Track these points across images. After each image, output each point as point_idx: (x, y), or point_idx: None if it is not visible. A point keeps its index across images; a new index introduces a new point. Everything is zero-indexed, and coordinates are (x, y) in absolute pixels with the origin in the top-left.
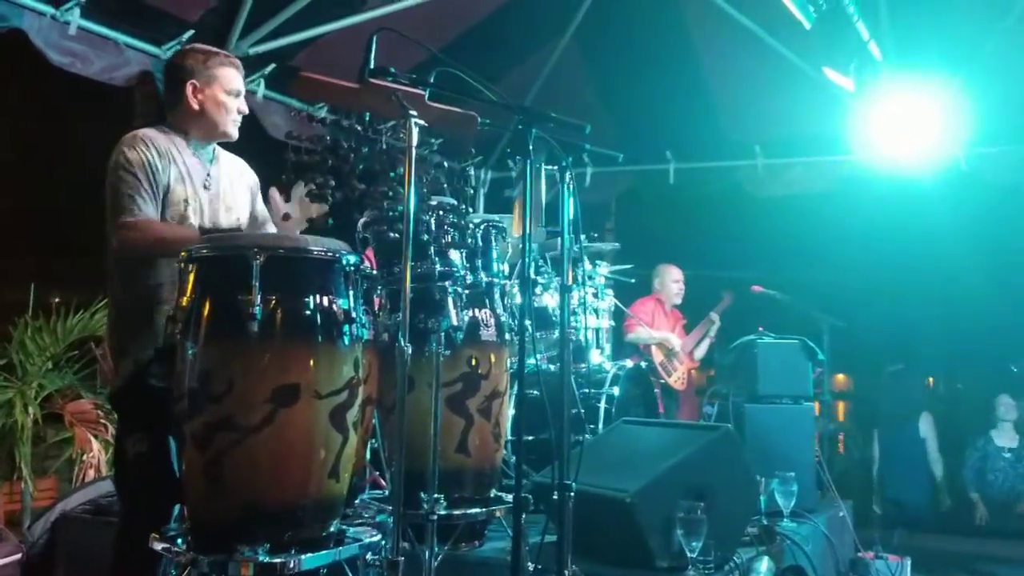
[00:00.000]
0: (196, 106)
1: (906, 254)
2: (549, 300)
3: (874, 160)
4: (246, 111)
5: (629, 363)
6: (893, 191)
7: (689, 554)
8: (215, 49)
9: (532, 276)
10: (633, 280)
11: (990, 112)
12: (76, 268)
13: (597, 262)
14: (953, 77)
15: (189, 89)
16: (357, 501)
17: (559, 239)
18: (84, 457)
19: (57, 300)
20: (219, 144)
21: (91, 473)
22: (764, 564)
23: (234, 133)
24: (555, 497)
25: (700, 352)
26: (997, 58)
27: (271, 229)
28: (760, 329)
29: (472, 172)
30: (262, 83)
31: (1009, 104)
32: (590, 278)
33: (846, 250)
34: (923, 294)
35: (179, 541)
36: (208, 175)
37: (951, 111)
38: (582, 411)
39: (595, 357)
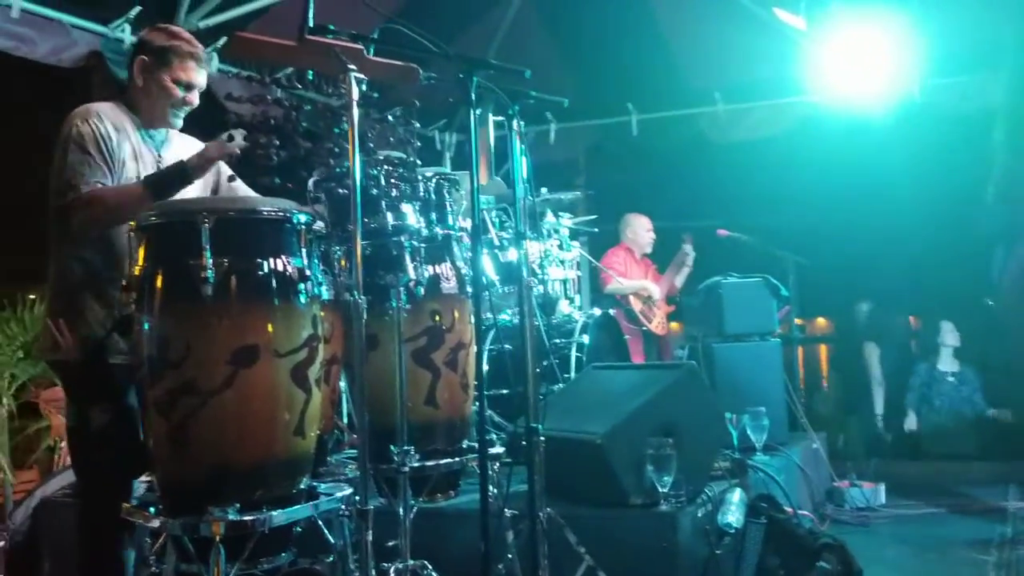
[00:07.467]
0: (140, 82)
1: (868, 189)
2: (514, 255)
3: (831, 98)
4: (195, 104)
5: (597, 311)
6: (851, 128)
7: (661, 489)
8: (188, 36)
9: (493, 231)
10: (596, 230)
11: (941, 43)
12: (33, 260)
13: (560, 214)
14: (902, 9)
15: (138, 64)
16: (332, 460)
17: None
18: (61, 444)
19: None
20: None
21: (70, 460)
22: (736, 495)
23: (175, 124)
24: (524, 443)
25: (680, 281)
26: None
27: None
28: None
29: (416, 124)
30: (215, 57)
31: (960, 34)
32: (555, 231)
33: (810, 191)
34: (886, 229)
35: (151, 509)
36: (159, 157)
37: (902, 44)
38: (556, 361)
39: (564, 307)
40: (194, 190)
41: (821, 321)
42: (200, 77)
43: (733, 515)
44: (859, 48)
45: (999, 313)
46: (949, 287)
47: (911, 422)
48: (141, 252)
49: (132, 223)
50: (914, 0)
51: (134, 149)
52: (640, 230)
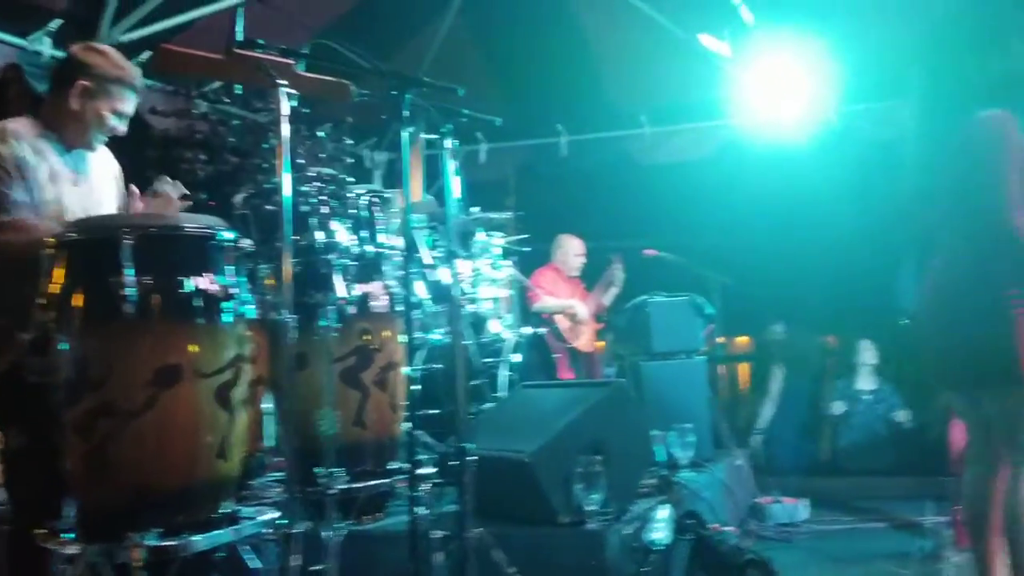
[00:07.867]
0: (76, 107)
1: (790, 211)
2: (445, 274)
3: (753, 123)
4: (121, 133)
5: (528, 330)
6: (773, 151)
7: (589, 507)
8: (126, 65)
9: (424, 249)
10: (528, 249)
11: (856, 71)
12: None
13: (491, 233)
14: (820, 37)
15: (77, 88)
16: (256, 483)
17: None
18: None
19: None
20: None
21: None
22: (663, 512)
23: (96, 149)
24: (454, 463)
25: (608, 299)
26: (859, 16)
27: None
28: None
29: (348, 141)
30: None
31: (873, 62)
32: (486, 250)
33: (734, 212)
34: (806, 250)
35: (70, 535)
36: (77, 175)
37: (820, 71)
38: (486, 380)
39: (494, 327)
40: (112, 207)
41: (743, 339)
42: (133, 107)
43: (660, 532)
44: (780, 74)
45: (912, 331)
46: (867, 307)
47: (826, 439)
48: (59, 269)
49: (51, 239)
50: (831, 29)
51: (51, 170)
52: (570, 252)
